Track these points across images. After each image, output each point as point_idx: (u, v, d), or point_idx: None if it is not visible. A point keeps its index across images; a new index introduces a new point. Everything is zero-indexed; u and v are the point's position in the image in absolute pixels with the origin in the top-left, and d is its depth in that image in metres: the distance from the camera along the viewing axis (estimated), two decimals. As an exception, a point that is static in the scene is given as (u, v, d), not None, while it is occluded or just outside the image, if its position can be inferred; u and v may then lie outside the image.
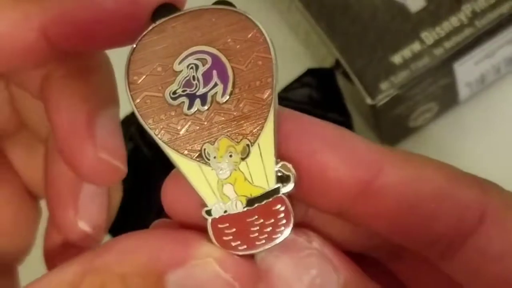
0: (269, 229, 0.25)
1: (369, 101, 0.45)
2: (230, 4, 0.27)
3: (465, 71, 0.47)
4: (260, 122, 0.25)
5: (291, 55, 0.54)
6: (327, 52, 0.48)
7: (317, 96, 0.50)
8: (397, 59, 0.45)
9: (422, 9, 0.45)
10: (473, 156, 0.49)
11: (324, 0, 0.49)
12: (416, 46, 0.45)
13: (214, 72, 0.25)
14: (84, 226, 0.33)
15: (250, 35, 0.25)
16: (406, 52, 0.45)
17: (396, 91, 0.45)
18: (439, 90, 0.47)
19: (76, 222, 0.33)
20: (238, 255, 0.26)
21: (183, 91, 0.25)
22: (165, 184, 0.27)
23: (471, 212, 0.26)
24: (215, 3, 0.26)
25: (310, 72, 0.50)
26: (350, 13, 0.47)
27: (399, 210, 0.26)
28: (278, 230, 0.25)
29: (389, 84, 0.45)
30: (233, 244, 0.25)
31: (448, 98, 0.48)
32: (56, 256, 0.35)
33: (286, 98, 0.48)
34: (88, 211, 0.34)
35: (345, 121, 0.49)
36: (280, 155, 0.25)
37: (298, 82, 0.50)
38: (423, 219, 0.26)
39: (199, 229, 0.26)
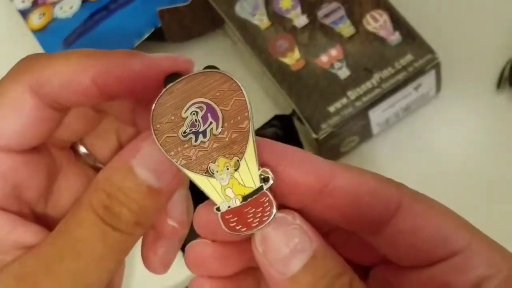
0: (259, 215, 0.30)
1: (314, 136, 0.52)
2: (215, 68, 0.32)
3: (376, 116, 0.54)
4: (243, 144, 0.30)
5: (264, 107, 0.60)
6: (287, 105, 0.55)
7: (280, 133, 0.57)
8: (332, 109, 0.52)
9: (347, 77, 0.53)
10: (382, 170, 0.59)
11: (285, 72, 0.54)
12: (344, 101, 0.52)
13: (209, 114, 0.29)
14: (172, 222, 0.35)
15: (229, 86, 0.30)
16: (337, 104, 0.52)
17: (331, 129, 0.52)
18: (359, 128, 0.54)
19: (166, 220, 0.35)
20: (241, 235, 0.30)
21: (190, 130, 0.30)
22: (196, 212, 0.32)
23: (392, 202, 0.30)
24: (205, 68, 0.31)
25: (276, 117, 0.57)
26: (301, 80, 0.54)
27: (346, 204, 0.30)
28: (266, 214, 0.29)
29: (327, 125, 0.52)
30: (237, 228, 0.30)
31: (365, 133, 0.56)
32: (150, 246, 0.37)
33: (261, 134, 0.53)
34: (176, 211, 0.35)
35: (298, 149, 0.57)
36: (261, 165, 0.29)
37: (268, 123, 0.57)
38: (361, 209, 0.30)
39: (222, 242, 0.32)
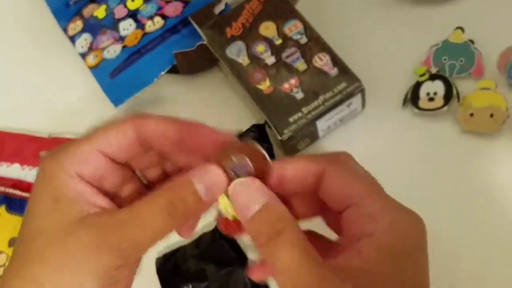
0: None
1: (279, 138, 0.57)
2: (252, 138, 0.43)
3: (321, 124, 0.59)
4: None
5: (245, 118, 0.64)
6: (261, 117, 0.60)
7: (257, 136, 0.61)
8: (291, 119, 0.58)
9: (302, 98, 0.58)
10: None
11: (260, 95, 0.59)
12: (299, 114, 0.58)
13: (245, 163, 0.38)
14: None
15: (257, 152, 0.38)
16: (295, 117, 0.58)
17: (291, 133, 0.57)
18: (310, 133, 0.59)
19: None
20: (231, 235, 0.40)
21: (233, 167, 0.38)
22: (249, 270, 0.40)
23: (317, 173, 0.37)
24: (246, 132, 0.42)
25: (254, 126, 0.62)
26: (271, 100, 0.59)
27: (295, 182, 0.38)
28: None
29: (288, 130, 0.57)
30: (226, 231, 0.40)
31: (314, 136, 0.61)
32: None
33: (243, 137, 0.60)
34: None
35: (270, 148, 0.60)
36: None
37: (248, 130, 0.62)
38: (302, 182, 0.38)
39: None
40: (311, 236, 0.40)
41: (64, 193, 0.37)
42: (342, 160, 0.39)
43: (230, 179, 0.38)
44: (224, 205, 0.42)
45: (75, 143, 0.39)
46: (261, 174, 0.38)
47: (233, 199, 0.38)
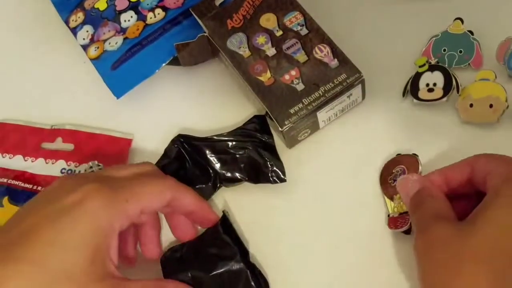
0: (403, 221, 0.55)
1: (280, 129, 0.57)
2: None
3: (322, 115, 0.60)
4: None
5: (247, 109, 0.64)
6: (262, 108, 0.60)
7: (258, 127, 0.61)
8: (292, 111, 0.58)
9: (302, 89, 0.58)
10: (326, 151, 0.61)
11: (261, 87, 0.59)
12: (300, 105, 0.58)
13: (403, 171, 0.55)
14: None
15: (414, 162, 0.56)
16: (296, 108, 0.58)
17: (292, 124, 0.57)
18: (310, 124, 0.60)
19: None
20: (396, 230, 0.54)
21: (394, 178, 0.56)
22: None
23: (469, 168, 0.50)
24: None
25: (255, 117, 0.62)
26: (271, 92, 0.59)
27: None
28: (406, 222, 0.54)
29: (289, 121, 0.57)
30: (392, 226, 0.55)
31: (314, 127, 0.61)
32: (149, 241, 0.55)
33: (244, 128, 0.61)
34: None
35: (270, 139, 0.61)
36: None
37: (250, 121, 0.62)
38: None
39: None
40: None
41: (103, 252, 0.42)
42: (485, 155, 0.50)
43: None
44: (391, 207, 0.56)
45: (126, 198, 0.45)
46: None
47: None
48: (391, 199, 0.55)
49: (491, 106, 0.57)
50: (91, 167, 0.62)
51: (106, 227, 0.43)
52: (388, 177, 0.57)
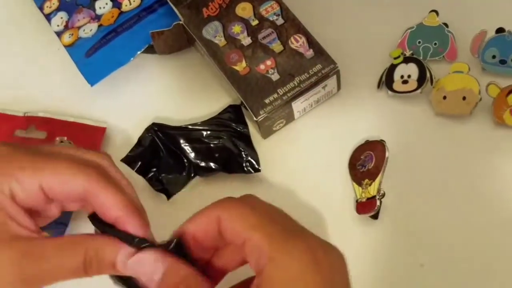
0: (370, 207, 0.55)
1: (255, 118, 0.58)
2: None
3: (297, 106, 0.60)
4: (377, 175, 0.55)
5: (222, 99, 0.64)
6: (237, 98, 0.60)
7: (233, 117, 0.61)
8: (267, 101, 0.58)
9: (278, 79, 0.59)
10: (301, 142, 0.61)
11: (236, 76, 0.59)
12: (275, 95, 0.58)
13: (370, 158, 0.54)
14: None
15: (381, 149, 0.55)
16: (271, 98, 0.58)
17: (267, 114, 0.58)
18: (285, 114, 0.60)
19: None
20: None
21: (360, 163, 0.57)
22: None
23: (216, 219, 0.39)
24: None
25: (230, 106, 0.62)
26: (247, 81, 0.59)
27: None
28: (374, 208, 0.54)
29: (263, 111, 0.58)
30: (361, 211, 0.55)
31: (289, 117, 0.61)
32: None
33: (219, 118, 0.61)
34: None
35: (245, 129, 0.61)
36: None
37: (225, 110, 0.62)
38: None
39: None
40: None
41: None
42: (232, 203, 0.39)
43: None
44: (359, 192, 0.56)
45: (22, 168, 0.39)
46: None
47: (133, 272, 0.39)
48: (359, 184, 0.56)
49: (464, 98, 0.58)
50: (61, 141, 0.62)
51: None
52: (357, 163, 0.58)
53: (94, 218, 0.40)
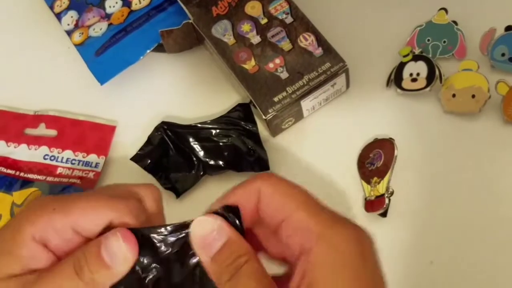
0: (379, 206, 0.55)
1: (263, 117, 0.58)
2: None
3: (306, 104, 0.60)
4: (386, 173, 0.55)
5: (231, 97, 0.64)
6: (246, 96, 0.60)
7: (242, 115, 0.61)
8: (276, 99, 0.58)
9: (287, 78, 0.59)
10: (309, 139, 0.61)
11: (245, 74, 0.59)
12: (284, 94, 0.58)
13: (379, 156, 0.54)
14: None
15: (390, 147, 0.56)
16: (280, 96, 0.58)
17: (275, 113, 0.58)
18: (294, 112, 0.60)
19: None
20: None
21: (369, 161, 0.57)
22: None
23: (255, 194, 0.36)
24: None
25: (239, 105, 0.62)
26: (256, 80, 0.59)
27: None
28: (383, 206, 0.54)
29: (272, 110, 0.58)
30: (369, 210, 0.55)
31: (298, 116, 0.61)
32: None
33: (228, 116, 0.61)
34: None
35: (254, 127, 0.60)
36: None
37: (234, 109, 0.62)
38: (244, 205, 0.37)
39: None
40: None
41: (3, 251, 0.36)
42: (273, 177, 0.37)
43: None
44: (368, 190, 0.55)
45: (54, 207, 0.37)
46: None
47: (192, 236, 0.36)
48: (368, 182, 0.56)
49: (473, 96, 0.57)
50: None
51: (16, 227, 0.37)
52: (366, 161, 0.58)
53: None
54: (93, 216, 0.37)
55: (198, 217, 0.36)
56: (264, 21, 0.62)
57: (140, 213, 0.39)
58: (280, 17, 0.62)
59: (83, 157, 0.62)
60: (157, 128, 0.61)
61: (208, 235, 0.35)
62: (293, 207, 0.35)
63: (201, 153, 0.60)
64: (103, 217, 0.37)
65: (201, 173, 0.60)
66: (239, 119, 0.61)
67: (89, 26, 0.66)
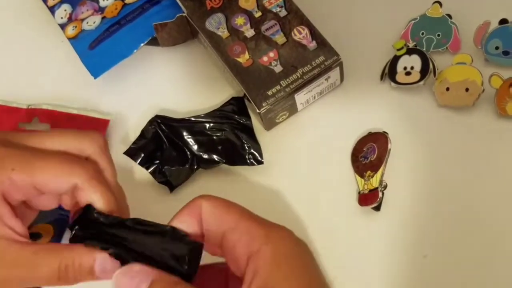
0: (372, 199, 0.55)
1: (257, 111, 0.58)
2: None
3: (300, 98, 0.60)
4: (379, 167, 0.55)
5: (224, 91, 0.64)
6: (240, 90, 0.60)
7: (236, 109, 0.61)
8: (269, 92, 0.58)
9: (281, 71, 0.58)
10: (303, 134, 0.61)
11: (239, 68, 0.59)
12: (278, 87, 0.58)
13: (372, 150, 0.54)
14: None
15: (384, 141, 0.56)
16: (273, 90, 0.58)
17: (269, 106, 0.58)
18: (288, 106, 0.60)
19: None
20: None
21: (363, 155, 0.57)
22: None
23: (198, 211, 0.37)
24: None
25: (233, 98, 0.62)
26: (250, 73, 0.59)
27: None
28: (376, 200, 0.54)
29: (266, 103, 0.58)
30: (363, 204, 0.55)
31: (292, 110, 0.61)
32: None
33: (222, 110, 0.61)
34: None
35: (248, 121, 0.60)
36: None
37: (227, 102, 0.62)
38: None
39: None
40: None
41: None
42: (213, 197, 0.39)
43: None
44: (361, 184, 0.55)
45: (13, 166, 0.39)
46: None
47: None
48: (362, 176, 0.56)
49: (467, 90, 0.57)
50: None
51: None
52: (359, 154, 0.58)
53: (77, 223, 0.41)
54: (56, 181, 0.40)
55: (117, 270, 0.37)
56: (258, 14, 0.62)
57: (98, 175, 0.41)
58: (274, 10, 0.62)
59: (77, 151, 0.62)
60: (150, 122, 0.61)
61: (131, 284, 0.36)
62: (236, 218, 0.37)
63: (195, 147, 0.60)
64: (65, 183, 0.40)
65: (195, 167, 0.59)
66: (233, 113, 0.61)
67: (82, 20, 0.66)
